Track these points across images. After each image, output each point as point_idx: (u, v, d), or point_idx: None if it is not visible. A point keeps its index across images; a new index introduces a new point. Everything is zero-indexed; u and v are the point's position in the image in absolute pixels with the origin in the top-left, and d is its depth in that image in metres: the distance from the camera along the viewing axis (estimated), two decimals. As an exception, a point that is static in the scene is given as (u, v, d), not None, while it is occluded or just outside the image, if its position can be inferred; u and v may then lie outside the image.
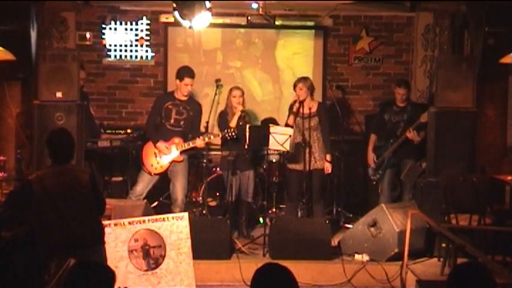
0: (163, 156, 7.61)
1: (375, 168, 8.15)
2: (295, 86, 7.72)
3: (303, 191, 7.62)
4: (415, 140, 7.90)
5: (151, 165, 7.66)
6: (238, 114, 7.66)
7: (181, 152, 7.63)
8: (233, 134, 7.55)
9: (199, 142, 7.57)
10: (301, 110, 7.67)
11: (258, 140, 7.39)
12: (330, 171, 7.77)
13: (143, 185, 7.67)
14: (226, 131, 7.61)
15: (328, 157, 7.73)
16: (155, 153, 7.64)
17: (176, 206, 7.64)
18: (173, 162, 7.64)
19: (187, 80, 7.60)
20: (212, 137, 7.67)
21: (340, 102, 8.90)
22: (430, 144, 7.52)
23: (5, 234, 5.84)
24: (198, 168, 8.41)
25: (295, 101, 7.68)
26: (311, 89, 7.73)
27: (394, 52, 9.44)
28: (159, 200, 8.37)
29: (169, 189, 7.82)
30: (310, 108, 7.66)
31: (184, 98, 7.70)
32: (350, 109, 9.26)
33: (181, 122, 7.67)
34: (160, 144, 7.58)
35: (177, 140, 7.62)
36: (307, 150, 7.56)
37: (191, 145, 7.62)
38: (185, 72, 7.67)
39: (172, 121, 7.66)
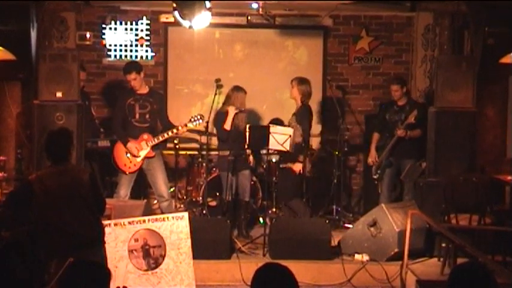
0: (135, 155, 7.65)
1: (376, 168, 8.16)
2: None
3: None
4: (405, 136, 7.91)
5: (125, 165, 7.69)
6: (231, 115, 7.66)
7: (152, 147, 7.65)
8: (200, 119, 7.62)
9: (180, 130, 7.63)
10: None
11: (258, 140, 7.40)
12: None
13: (125, 187, 7.70)
14: (192, 118, 7.65)
15: (301, 158, 7.80)
16: (126, 152, 7.67)
17: (164, 201, 7.71)
18: (145, 158, 7.67)
19: (129, 76, 7.63)
20: (180, 128, 7.66)
21: (340, 102, 8.91)
22: (430, 144, 7.52)
23: (5, 234, 5.84)
24: (198, 168, 8.43)
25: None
26: None
27: (394, 52, 9.42)
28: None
29: (151, 187, 7.89)
30: None
31: (145, 92, 7.74)
32: (350, 109, 9.26)
33: (147, 116, 7.70)
34: (131, 145, 7.62)
35: (145, 136, 7.66)
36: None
37: (161, 139, 7.67)
38: (128, 67, 7.73)
39: (137, 116, 7.69)
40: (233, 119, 7.66)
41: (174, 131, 7.65)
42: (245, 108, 7.85)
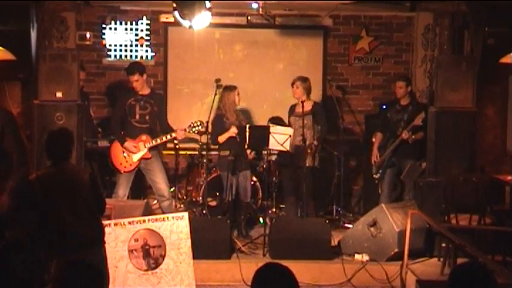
0: (132, 154, 7.64)
1: (377, 167, 8.16)
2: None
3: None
4: (409, 139, 7.90)
5: (121, 164, 7.69)
6: (229, 135, 7.70)
7: (150, 149, 7.66)
8: (200, 125, 7.65)
9: (178, 135, 7.63)
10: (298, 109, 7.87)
11: (258, 140, 7.41)
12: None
13: (123, 187, 7.69)
14: (192, 124, 7.68)
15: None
16: (123, 151, 7.67)
17: (165, 200, 7.71)
18: (142, 159, 7.67)
19: (131, 77, 7.63)
20: (179, 132, 7.67)
21: (340, 102, 8.91)
22: (430, 144, 7.52)
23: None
24: (198, 168, 8.43)
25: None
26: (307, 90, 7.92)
27: (394, 52, 9.43)
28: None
29: (151, 187, 7.90)
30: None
31: (146, 93, 7.74)
32: (350, 109, 9.26)
33: (147, 117, 7.69)
34: (128, 144, 7.62)
35: (144, 137, 7.66)
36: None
37: (159, 141, 7.68)
38: (131, 68, 7.73)
39: (137, 117, 7.69)
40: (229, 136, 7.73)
41: (173, 135, 7.65)
42: (239, 103, 7.93)
